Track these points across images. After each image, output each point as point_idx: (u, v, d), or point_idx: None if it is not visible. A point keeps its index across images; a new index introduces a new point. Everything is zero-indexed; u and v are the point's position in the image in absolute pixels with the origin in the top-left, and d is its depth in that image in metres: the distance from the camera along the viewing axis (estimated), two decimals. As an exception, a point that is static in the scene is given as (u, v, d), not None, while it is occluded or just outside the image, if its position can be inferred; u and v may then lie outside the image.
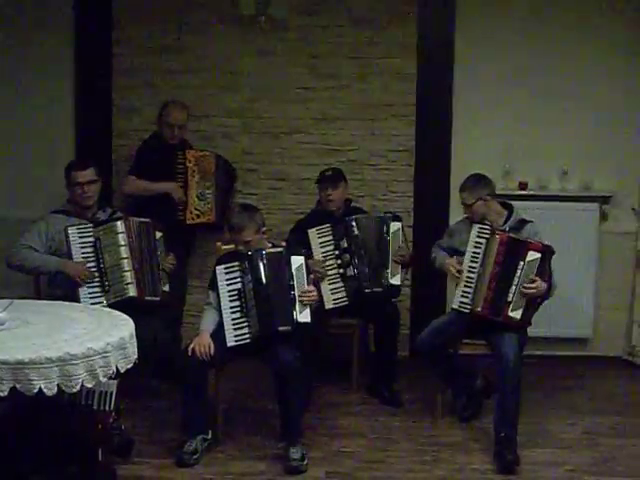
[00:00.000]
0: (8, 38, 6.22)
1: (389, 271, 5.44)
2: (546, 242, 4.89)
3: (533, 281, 4.78)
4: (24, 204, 6.15)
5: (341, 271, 5.45)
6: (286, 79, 6.25)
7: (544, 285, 4.81)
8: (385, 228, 5.48)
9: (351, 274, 5.44)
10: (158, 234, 5.25)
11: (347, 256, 5.45)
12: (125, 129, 6.24)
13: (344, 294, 5.44)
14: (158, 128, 5.88)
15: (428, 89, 6.21)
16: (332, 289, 5.42)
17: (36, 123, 6.28)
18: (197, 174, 5.77)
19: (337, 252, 5.46)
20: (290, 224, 5.90)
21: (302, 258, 4.72)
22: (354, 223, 5.47)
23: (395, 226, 5.50)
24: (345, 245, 5.46)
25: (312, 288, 4.73)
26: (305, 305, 4.64)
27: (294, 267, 4.67)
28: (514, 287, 4.80)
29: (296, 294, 4.63)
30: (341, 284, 5.45)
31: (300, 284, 4.66)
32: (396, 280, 5.46)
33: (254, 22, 6.01)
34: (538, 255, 4.79)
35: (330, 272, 5.43)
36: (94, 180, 5.20)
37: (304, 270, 4.70)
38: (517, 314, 4.82)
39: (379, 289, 5.46)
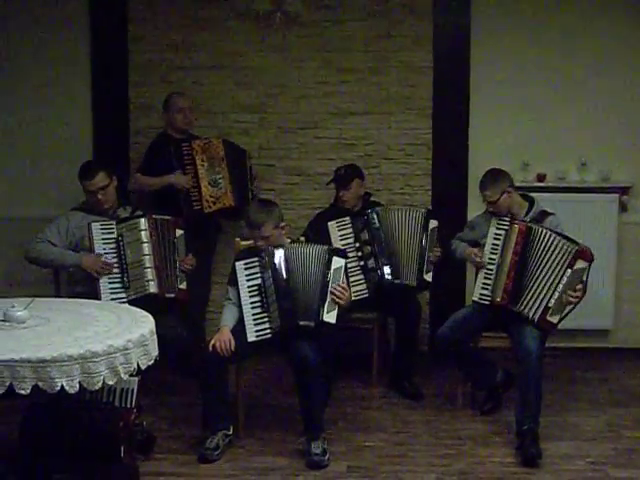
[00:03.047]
0: (24, 36, 6.24)
1: (424, 267, 5.42)
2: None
3: (577, 290, 4.76)
4: (43, 203, 6.18)
5: (361, 263, 5.43)
6: (302, 74, 6.24)
7: (584, 292, 4.80)
8: (424, 224, 5.44)
9: (372, 266, 5.42)
10: (179, 232, 5.24)
11: (368, 248, 5.43)
12: (142, 126, 6.25)
13: (364, 286, 5.41)
14: (166, 123, 5.89)
15: (445, 82, 6.19)
16: (352, 281, 5.35)
17: (53, 121, 6.29)
18: (205, 162, 5.73)
19: (357, 244, 5.44)
20: (307, 219, 5.89)
21: (343, 261, 4.69)
22: (375, 215, 5.46)
23: (433, 223, 5.47)
24: (366, 237, 5.44)
25: (346, 288, 4.70)
26: (334, 305, 4.61)
27: (333, 267, 4.64)
28: (557, 293, 4.76)
29: (329, 293, 4.61)
30: (361, 276, 5.42)
31: (335, 285, 4.63)
32: (429, 277, 5.44)
33: (269, 18, 6.02)
34: (586, 264, 4.75)
35: (351, 265, 5.38)
36: (106, 185, 5.16)
37: (342, 272, 4.67)
38: (555, 319, 4.80)
39: (412, 282, 5.44)
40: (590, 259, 4.76)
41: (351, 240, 5.45)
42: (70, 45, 6.25)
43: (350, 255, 5.35)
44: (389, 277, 5.44)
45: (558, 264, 4.78)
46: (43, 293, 4.74)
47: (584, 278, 4.80)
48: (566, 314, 4.85)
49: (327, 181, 5.92)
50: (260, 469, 4.44)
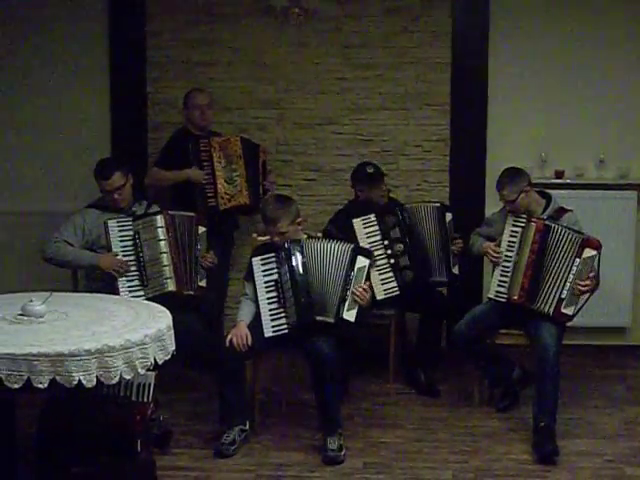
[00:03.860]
0: (43, 32, 6.26)
1: (451, 261, 5.42)
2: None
3: (587, 278, 4.75)
4: (61, 198, 6.21)
5: (392, 261, 5.38)
6: (320, 70, 6.24)
7: (595, 282, 4.80)
8: (442, 218, 5.45)
9: (405, 264, 5.39)
10: (201, 229, 5.24)
11: (400, 246, 5.41)
12: (160, 122, 6.26)
13: (395, 284, 5.37)
14: (185, 119, 5.91)
15: (463, 78, 6.17)
16: (382, 279, 5.33)
17: (72, 117, 6.32)
18: (223, 159, 5.73)
19: (387, 242, 5.39)
20: (324, 215, 5.90)
21: (368, 261, 4.67)
22: (406, 213, 5.43)
23: (449, 217, 5.47)
24: (398, 235, 5.41)
25: (367, 289, 4.68)
26: (355, 304, 4.61)
27: (357, 266, 4.63)
28: (568, 284, 4.77)
29: (350, 291, 4.61)
30: (391, 274, 5.37)
31: (358, 284, 4.62)
32: (456, 270, 5.46)
33: (287, 13, 6.01)
34: (594, 252, 4.76)
35: (379, 262, 5.33)
36: (122, 185, 5.17)
37: (365, 272, 4.66)
38: (570, 310, 4.80)
39: (444, 279, 5.46)
40: (597, 246, 4.77)
41: (378, 237, 5.40)
42: (89, 41, 6.27)
43: (378, 253, 5.34)
44: (423, 275, 5.42)
45: (567, 255, 4.79)
46: (61, 288, 4.76)
47: (595, 267, 4.79)
48: (581, 306, 4.84)
49: (344, 177, 5.93)
50: (276, 464, 4.45)
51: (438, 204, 5.56)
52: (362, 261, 4.66)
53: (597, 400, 5.34)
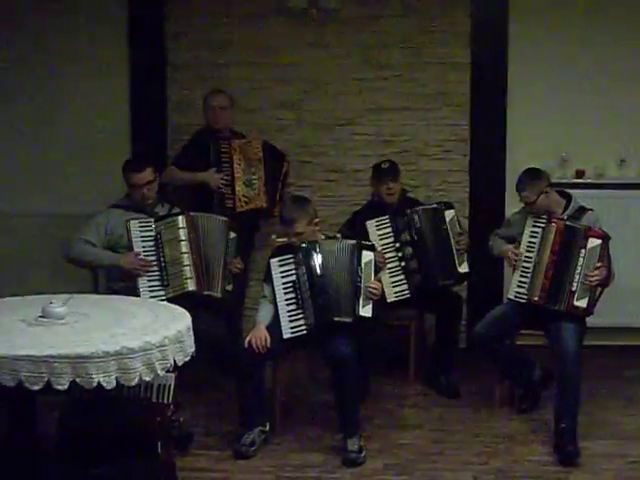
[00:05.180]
0: (62, 35, 6.29)
1: (457, 261, 5.41)
2: (609, 232, 4.84)
3: (596, 268, 4.74)
4: (80, 200, 6.22)
5: (403, 264, 5.39)
6: (339, 70, 6.24)
7: (605, 272, 4.77)
8: (441, 218, 5.43)
9: (414, 267, 5.39)
10: (232, 234, 5.25)
11: (410, 249, 5.40)
12: (180, 123, 6.27)
13: (406, 287, 5.37)
14: (205, 120, 5.92)
15: (482, 77, 6.16)
16: (393, 282, 5.35)
17: (91, 119, 6.34)
18: (242, 162, 5.74)
19: (398, 245, 5.40)
20: (344, 216, 5.89)
21: (372, 254, 4.70)
22: (416, 216, 5.42)
23: (450, 214, 5.45)
24: (407, 238, 5.40)
25: (378, 283, 4.69)
26: (369, 299, 4.61)
27: (364, 261, 4.64)
28: (577, 276, 4.76)
29: (362, 288, 4.61)
30: (402, 277, 5.38)
31: (367, 279, 4.63)
32: (464, 268, 5.44)
33: (306, 14, 6.03)
34: (599, 242, 4.76)
35: (390, 265, 5.36)
36: (152, 180, 5.21)
37: (372, 266, 4.67)
38: (582, 303, 4.78)
39: (451, 281, 5.45)
40: (602, 236, 4.77)
41: (391, 240, 5.41)
42: (108, 43, 6.29)
43: (390, 255, 5.36)
44: (439, 278, 5.41)
45: (574, 248, 4.78)
46: (81, 289, 4.78)
47: (602, 256, 4.77)
48: (595, 300, 4.83)
49: (364, 178, 5.92)
50: (296, 466, 4.45)
51: (434, 205, 5.53)
52: (367, 255, 4.68)
53: (619, 401, 5.31)
